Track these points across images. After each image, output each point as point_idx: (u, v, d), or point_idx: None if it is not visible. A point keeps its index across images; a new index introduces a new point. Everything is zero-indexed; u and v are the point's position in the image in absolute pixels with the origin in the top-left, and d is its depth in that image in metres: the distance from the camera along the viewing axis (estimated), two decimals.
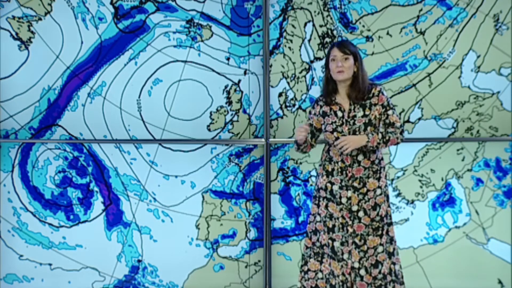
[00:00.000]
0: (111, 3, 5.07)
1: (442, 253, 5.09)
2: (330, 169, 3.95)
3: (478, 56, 5.04)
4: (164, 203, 5.14)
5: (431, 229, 5.08)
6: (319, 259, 3.96)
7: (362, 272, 3.84)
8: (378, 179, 3.88)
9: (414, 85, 5.06)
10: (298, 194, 5.11)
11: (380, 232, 3.85)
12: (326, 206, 3.93)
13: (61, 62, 5.09)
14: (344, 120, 3.91)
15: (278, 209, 5.11)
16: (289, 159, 5.10)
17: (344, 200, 3.88)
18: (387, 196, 3.94)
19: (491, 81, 5.05)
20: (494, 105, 5.06)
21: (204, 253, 5.15)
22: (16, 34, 5.08)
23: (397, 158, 5.08)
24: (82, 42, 5.09)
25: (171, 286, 5.15)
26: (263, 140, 5.08)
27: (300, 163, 5.09)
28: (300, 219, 5.10)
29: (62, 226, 5.15)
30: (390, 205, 3.99)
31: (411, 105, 5.06)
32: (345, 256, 3.87)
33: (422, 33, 5.04)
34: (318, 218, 3.99)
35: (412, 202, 5.09)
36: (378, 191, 3.88)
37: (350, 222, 3.86)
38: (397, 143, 3.90)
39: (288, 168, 5.10)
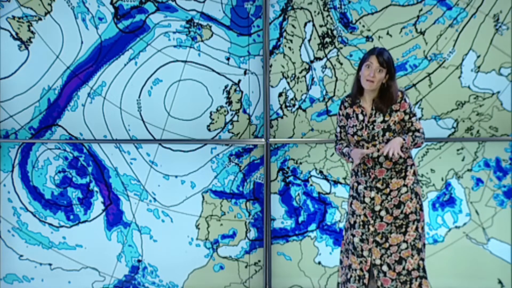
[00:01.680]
0: (111, 3, 5.07)
1: (442, 253, 5.09)
2: (356, 170, 4.04)
3: (478, 56, 5.04)
4: (164, 203, 5.14)
5: (431, 229, 5.08)
6: (347, 255, 4.07)
7: (385, 268, 3.93)
8: (404, 177, 3.95)
9: (414, 85, 5.06)
10: (298, 194, 5.10)
11: (403, 230, 3.93)
12: (351, 204, 4.04)
13: (61, 62, 5.09)
14: (364, 125, 3.98)
15: (278, 209, 5.11)
16: (289, 159, 5.10)
17: (367, 200, 3.97)
18: (416, 193, 3.99)
19: (491, 81, 5.05)
20: (494, 105, 5.06)
21: (204, 253, 5.15)
22: (16, 34, 5.08)
23: None
24: (82, 42, 5.09)
25: (171, 286, 5.15)
26: (263, 140, 5.08)
27: (300, 163, 5.09)
28: (300, 219, 5.10)
29: (62, 226, 5.15)
30: (421, 203, 4.01)
31: None
32: (365, 253, 3.96)
33: (422, 33, 5.04)
34: (348, 216, 4.11)
35: None
36: (404, 189, 3.95)
37: (372, 222, 3.95)
38: (420, 146, 4.03)
39: (288, 168, 5.10)
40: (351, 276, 4.00)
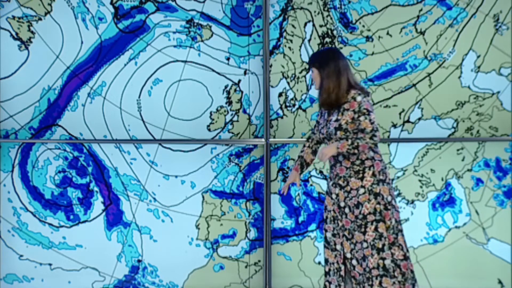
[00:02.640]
0: (111, 3, 5.07)
1: (442, 253, 5.09)
2: (329, 165, 4.20)
3: (478, 56, 5.04)
4: (164, 203, 5.14)
5: (431, 229, 5.08)
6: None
7: (354, 262, 4.05)
8: (361, 178, 4.03)
9: (414, 85, 5.06)
10: (298, 194, 5.11)
11: (363, 230, 4.01)
12: (325, 199, 4.20)
13: (61, 62, 5.09)
14: (325, 123, 4.13)
15: (278, 209, 5.11)
16: (289, 159, 5.10)
17: (334, 196, 4.11)
18: (376, 194, 4.02)
19: (491, 81, 5.05)
20: (494, 105, 5.06)
21: (204, 253, 5.15)
22: (16, 34, 5.08)
23: (397, 158, 5.08)
24: (82, 42, 5.09)
25: (171, 286, 5.15)
26: (263, 140, 5.08)
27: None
28: (300, 219, 5.10)
29: (62, 226, 5.15)
30: (385, 202, 4.02)
31: (411, 105, 5.06)
32: (338, 247, 4.09)
33: (422, 33, 5.04)
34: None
35: (412, 202, 5.09)
36: (361, 190, 4.02)
37: (339, 217, 4.09)
38: (370, 147, 4.01)
39: (288, 168, 5.10)
40: (329, 269, 4.13)
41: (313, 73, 4.10)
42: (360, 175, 4.03)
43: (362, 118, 3.99)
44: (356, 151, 3.98)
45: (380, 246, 4.00)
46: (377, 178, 4.04)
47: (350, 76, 4.07)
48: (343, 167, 4.06)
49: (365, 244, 4.01)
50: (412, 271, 4.06)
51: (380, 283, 3.99)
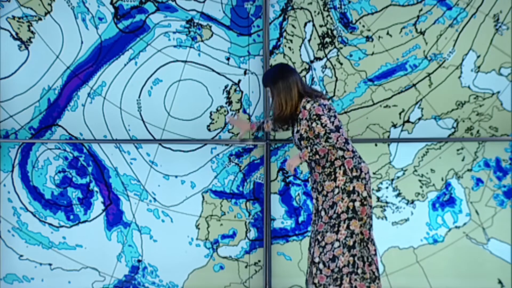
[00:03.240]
0: (111, 3, 5.07)
1: (442, 253, 5.09)
2: None
3: (478, 56, 5.04)
4: (164, 203, 5.14)
5: (431, 229, 5.08)
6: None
7: (321, 266, 4.18)
8: (334, 179, 4.18)
9: (414, 85, 5.06)
10: (298, 194, 5.11)
11: (336, 229, 4.14)
12: None
13: (61, 62, 5.09)
14: (293, 135, 4.35)
15: (278, 209, 5.11)
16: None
17: (314, 201, 4.30)
18: (350, 192, 4.16)
19: (491, 81, 5.05)
20: (494, 105, 5.06)
21: (204, 253, 5.15)
22: (16, 34, 5.08)
23: (397, 158, 5.08)
24: (82, 42, 5.09)
25: (171, 286, 5.15)
26: (263, 140, 5.08)
27: (300, 163, 5.08)
28: (300, 219, 5.10)
29: (62, 226, 5.15)
30: (359, 198, 4.16)
31: (411, 105, 5.06)
32: (311, 250, 4.27)
33: (422, 33, 5.04)
34: None
35: (412, 202, 5.09)
36: (336, 191, 4.18)
37: (317, 221, 4.25)
38: (329, 149, 4.14)
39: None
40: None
41: (269, 93, 4.39)
42: (333, 177, 4.18)
43: (314, 124, 4.17)
44: (317, 156, 4.14)
45: (351, 243, 4.13)
46: (349, 176, 4.17)
47: (300, 87, 4.27)
48: (317, 173, 4.24)
49: (336, 244, 4.14)
50: (377, 267, 4.23)
51: (350, 280, 4.13)
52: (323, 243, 4.16)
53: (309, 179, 4.37)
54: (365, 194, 4.17)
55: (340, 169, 4.17)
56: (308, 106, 4.20)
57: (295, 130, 4.28)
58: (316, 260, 4.18)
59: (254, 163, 5.12)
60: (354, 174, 4.16)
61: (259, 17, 5.07)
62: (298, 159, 4.21)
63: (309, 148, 4.16)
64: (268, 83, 4.35)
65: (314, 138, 4.19)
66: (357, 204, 4.14)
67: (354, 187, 4.15)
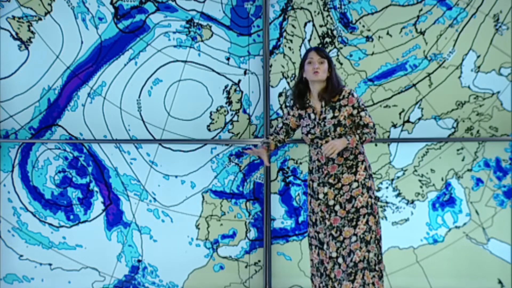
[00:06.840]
0: (111, 3, 5.07)
1: (442, 253, 5.09)
2: (311, 168, 4.30)
3: (478, 56, 5.04)
4: (164, 203, 5.14)
5: (431, 229, 5.08)
6: (312, 249, 4.32)
7: (340, 260, 4.15)
8: (355, 173, 4.17)
9: (414, 85, 5.06)
10: (298, 194, 5.11)
11: (354, 223, 4.13)
12: (310, 202, 4.29)
13: (61, 62, 5.09)
14: (316, 123, 4.22)
15: (278, 209, 5.11)
16: (289, 159, 5.10)
17: (321, 196, 4.21)
18: (368, 188, 4.18)
19: (491, 81, 5.05)
20: (494, 105, 5.06)
21: (204, 253, 5.15)
22: (16, 34, 5.09)
23: (397, 158, 5.08)
24: (82, 42, 5.09)
25: (171, 286, 5.16)
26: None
27: (300, 163, 5.09)
28: (300, 219, 5.11)
29: (62, 226, 5.15)
30: (373, 196, 4.19)
31: (411, 105, 5.06)
32: (325, 246, 4.21)
33: (422, 33, 5.04)
34: (309, 214, 4.37)
35: (412, 202, 5.09)
36: (355, 185, 4.16)
37: (327, 216, 4.19)
38: (371, 141, 4.26)
39: (288, 168, 5.10)
40: (320, 270, 4.26)
41: (323, 64, 4.20)
42: (354, 170, 4.16)
43: (363, 113, 4.18)
44: (361, 145, 4.15)
45: (368, 239, 4.13)
46: (368, 172, 4.20)
47: None
48: (335, 164, 4.17)
49: (353, 238, 4.12)
50: (384, 265, 4.25)
51: (363, 276, 4.11)
52: (341, 238, 4.14)
53: (311, 175, 4.26)
54: (375, 193, 4.21)
55: (362, 164, 4.19)
56: (356, 94, 4.20)
57: (328, 116, 4.17)
58: (334, 254, 4.16)
59: (254, 163, 5.12)
60: (370, 172, 4.22)
61: (259, 17, 5.07)
62: (345, 143, 4.10)
63: (357, 136, 4.13)
64: (329, 59, 4.24)
65: (349, 127, 4.18)
66: (373, 201, 4.18)
67: (370, 184, 4.19)
